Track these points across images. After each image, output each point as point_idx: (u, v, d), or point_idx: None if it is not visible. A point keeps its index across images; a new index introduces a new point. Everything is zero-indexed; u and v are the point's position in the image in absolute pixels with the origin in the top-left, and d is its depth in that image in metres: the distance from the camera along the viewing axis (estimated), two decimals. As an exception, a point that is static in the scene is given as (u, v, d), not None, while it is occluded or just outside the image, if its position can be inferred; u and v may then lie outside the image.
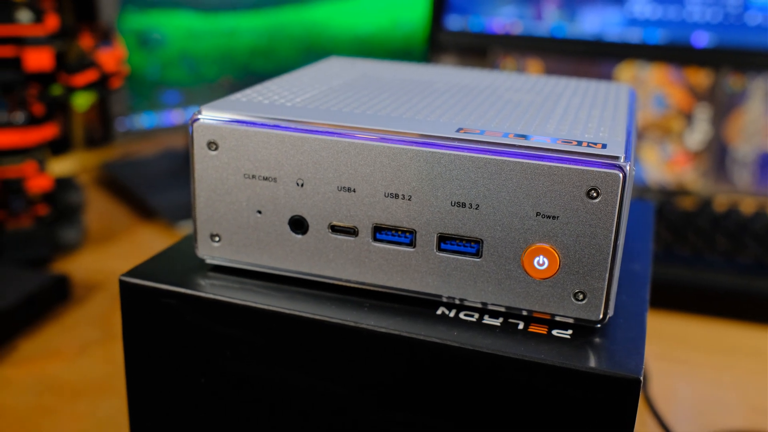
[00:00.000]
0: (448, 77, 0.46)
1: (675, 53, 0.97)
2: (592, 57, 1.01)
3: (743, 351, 0.63)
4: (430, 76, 0.46)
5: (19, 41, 0.69)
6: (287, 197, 0.34)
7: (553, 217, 0.31)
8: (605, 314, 0.32)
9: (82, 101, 0.80)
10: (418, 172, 0.32)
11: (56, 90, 0.74)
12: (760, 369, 0.61)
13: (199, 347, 0.35)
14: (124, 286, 0.36)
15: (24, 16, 0.69)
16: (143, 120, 0.90)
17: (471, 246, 0.33)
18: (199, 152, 0.35)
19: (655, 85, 0.99)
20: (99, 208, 0.88)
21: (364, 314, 0.33)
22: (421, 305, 0.34)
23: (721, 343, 0.65)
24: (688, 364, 0.61)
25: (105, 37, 0.76)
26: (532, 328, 0.33)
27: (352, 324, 0.33)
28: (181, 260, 0.38)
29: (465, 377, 0.32)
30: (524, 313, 0.33)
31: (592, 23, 0.99)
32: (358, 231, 0.34)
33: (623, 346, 0.32)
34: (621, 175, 0.30)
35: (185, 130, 0.95)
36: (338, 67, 0.47)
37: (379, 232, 0.34)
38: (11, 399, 0.53)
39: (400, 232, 0.34)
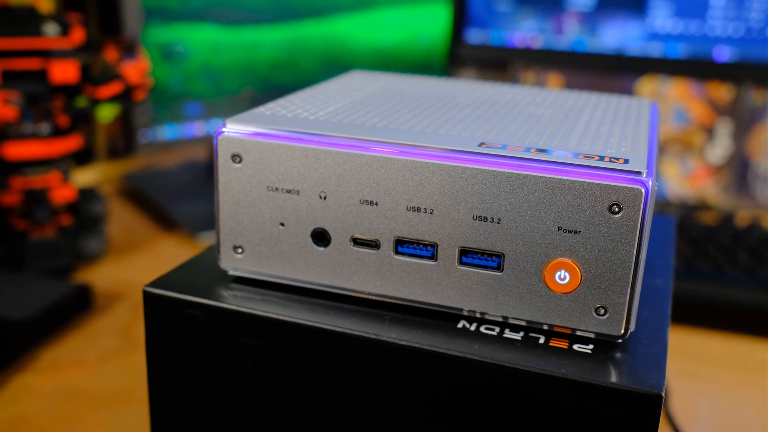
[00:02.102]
0: (469, 91, 0.46)
1: (696, 67, 0.97)
2: (613, 71, 1.01)
3: (765, 367, 0.63)
4: (452, 91, 0.46)
5: (46, 54, 0.70)
6: (310, 210, 0.35)
7: (575, 232, 0.31)
8: (627, 329, 0.32)
9: (107, 113, 0.81)
10: (440, 186, 0.32)
11: (81, 102, 0.75)
12: (783, 386, 0.60)
13: (221, 358, 0.36)
14: (147, 296, 0.36)
15: (50, 29, 0.70)
16: (165, 132, 0.91)
17: (492, 260, 0.33)
18: (224, 165, 0.35)
19: (676, 99, 0.98)
20: (121, 219, 0.89)
21: (385, 327, 0.34)
22: (442, 318, 0.34)
23: (743, 360, 0.64)
24: (710, 381, 0.61)
25: (129, 50, 0.77)
26: (553, 343, 0.33)
27: (373, 336, 0.33)
28: (204, 271, 0.38)
29: (485, 391, 0.32)
30: (545, 327, 0.33)
31: (612, 37, 0.99)
32: (379, 244, 0.34)
33: (645, 362, 0.32)
34: (643, 190, 0.30)
35: (207, 141, 0.96)
36: (360, 81, 0.47)
37: (401, 245, 0.34)
38: (34, 407, 0.53)
39: (421, 246, 0.34)
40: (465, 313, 0.34)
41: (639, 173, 0.30)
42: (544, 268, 0.32)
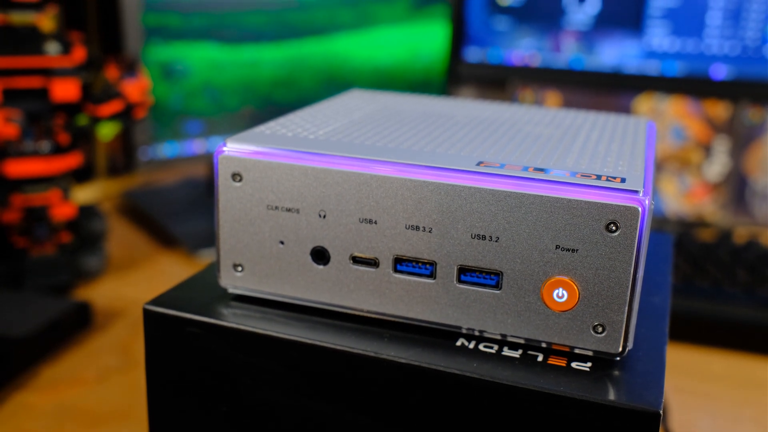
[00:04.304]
0: (468, 110, 0.46)
1: (693, 85, 0.97)
2: (611, 89, 1.01)
3: (764, 385, 0.63)
4: (451, 110, 0.46)
5: (47, 72, 0.70)
6: (309, 228, 0.35)
7: (573, 250, 0.32)
8: (624, 347, 0.32)
9: (107, 131, 0.81)
10: (438, 205, 0.33)
11: (82, 120, 0.75)
12: (782, 403, 0.60)
13: (221, 376, 0.36)
14: (147, 314, 0.36)
15: (52, 48, 0.70)
16: (165, 149, 0.92)
17: (491, 278, 0.33)
18: (224, 183, 0.36)
19: (673, 117, 0.99)
20: (121, 236, 0.89)
21: (384, 345, 0.34)
22: (440, 336, 0.35)
23: (742, 377, 0.64)
24: (709, 398, 0.61)
25: (130, 69, 0.77)
26: (552, 361, 0.33)
27: (372, 354, 0.33)
28: (204, 289, 0.38)
29: (484, 409, 0.32)
30: (543, 345, 0.34)
31: (610, 55, 1.00)
32: (379, 262, 0.34)
33: (643, 379, 0.32)
34: (640, 208, 0.30)
35: (207, 159, 0.96)
36: (360, 100, 0.48)
37: (400, 263, 0.34)
38: (32, 425, 0.53)
39: (420, 264, 0.34)
40: (464, 331, 0.35)
41: (636, 192, 0.31)
42: (542, 287, 0.32)
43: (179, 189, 1.02)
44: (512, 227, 0.32)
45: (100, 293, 0.74)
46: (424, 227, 0.33)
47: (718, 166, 0.98)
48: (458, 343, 0.34)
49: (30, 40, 0.70)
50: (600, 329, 0.32)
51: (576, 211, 0.31)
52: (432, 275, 0.34)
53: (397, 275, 0.34)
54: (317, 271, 0.36)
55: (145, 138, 0.89)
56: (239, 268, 0.37)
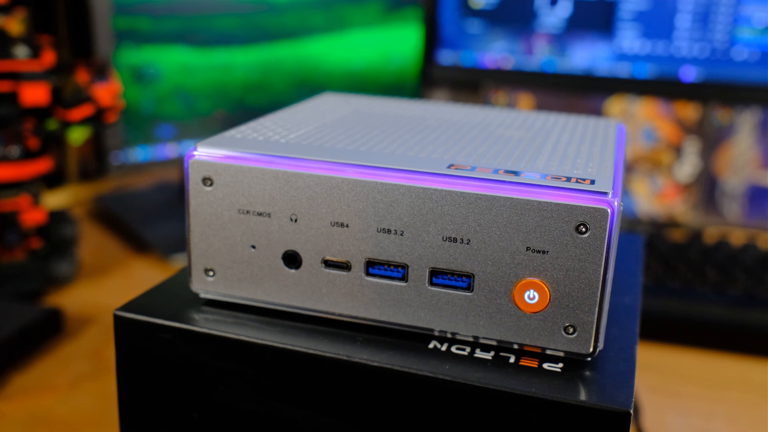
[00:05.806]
0: (440, 113, 0.46)
1: (663, 87, 0.98)
2: (582, 91, 1.02)
3: (735, 383, 0.64)
4: (423, 113, 0.46)
5: (16, 76, 0.70)
6: (281, 232, 0.35)
7: (543, 252, 0.32)
8: (595, 347, 0.33)
9: (78, 136, 0.80)
10: (410, 208, 0.33)
11: (52, 124, 0.74)
12: (752, 401, 0.61)
13: (192, 381, 0.36)
14: (118, 320, 0.36)
15: (21, 51, 0.69)
16: (137, 153, 0.91)
17: (462, 280, 0.33)
18: (194, 188, 0.36)
19: (644, 118, 1.00)
20: (92, 241, 0.88)
21: (356, 348, 0.34)
22: (413, 339, 0.35)
23: (713, 375, 0.65)
24: (680, 396, 0.62)
25: (101, 73, 0.76)
26: (523, 362, 0.33)
27: (344, 358, 0.33)
28: (175, 294, 0.38)
29: (457, 411, 0.32)
30: (515, 346, 0.34)
31: (582, 58, 1.01)
32: (351, 266, 0.34)
33: (613, 379, 0.32)
34: (609, 210, 0.30)
35: (179, 163, 0.96)
36: (332, 104, 0.48)
37: (372, 266, 0.34)
38: (3, 434, 0.53)
39: (392, 267, 0.34)
40: (436, 334, 0.35)
41: (605, 193, 0.31)
42: (513, 288, 0.33)
43: (151, 193, 1.01)
44: (483, 229, 0.32)
45: (71, 299, 0.73)
46: (395, 230, 0.33)
47: (688, 167, 0.99)
48: (431, 346, 0.34)
49: (-2, 43, 0.69)
50: (571, 330, 0.32)
51: (546, 212, 0.31)
52: (404, 278, 0.34)
53: (369, 278, 0.34)
54: (289, 275, 0.35)
55: (116, 142, 0.88)
56: (211, 273, 0.37)
